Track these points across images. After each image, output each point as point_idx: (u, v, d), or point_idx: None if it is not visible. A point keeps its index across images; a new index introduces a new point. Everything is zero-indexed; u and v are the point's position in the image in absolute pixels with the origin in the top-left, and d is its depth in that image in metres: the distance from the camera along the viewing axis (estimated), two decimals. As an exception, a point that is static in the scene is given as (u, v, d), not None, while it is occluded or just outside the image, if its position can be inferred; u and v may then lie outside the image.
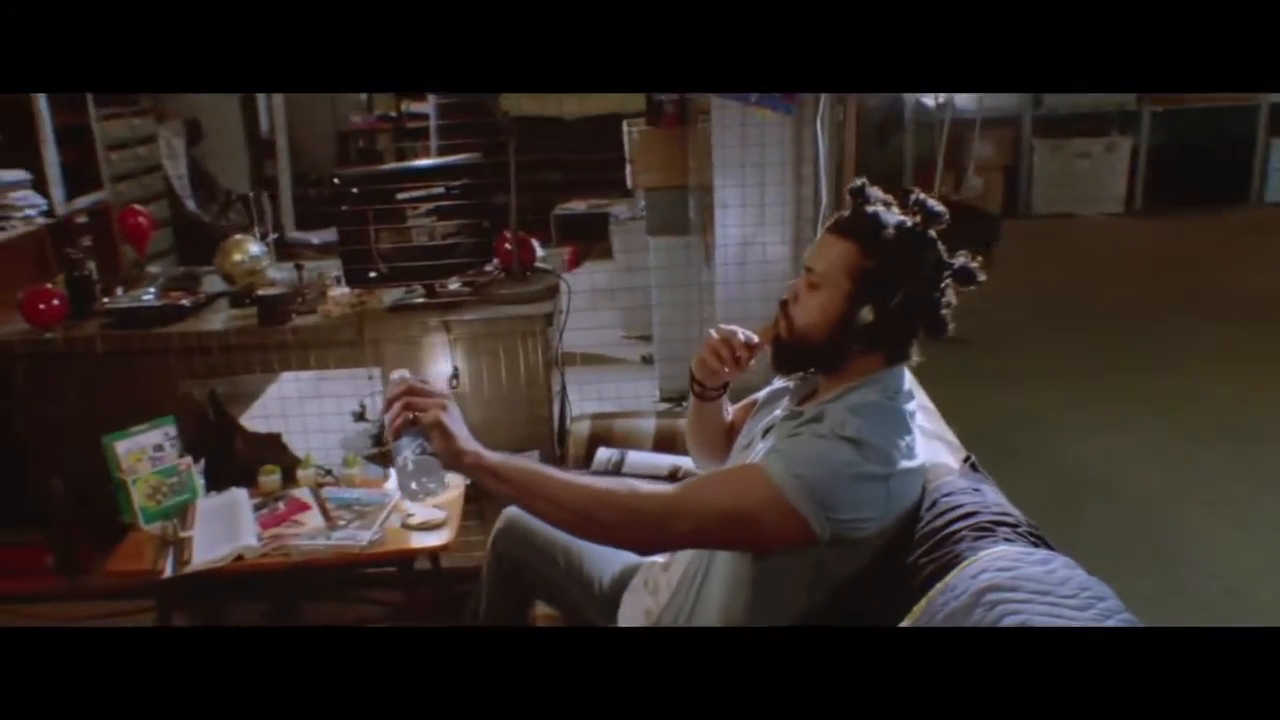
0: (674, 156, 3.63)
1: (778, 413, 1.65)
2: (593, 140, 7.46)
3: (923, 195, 1.51)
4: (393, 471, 1.53)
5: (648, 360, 4.41)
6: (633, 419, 2.62)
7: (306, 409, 3.52)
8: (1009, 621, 1.06)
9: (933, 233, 1.51)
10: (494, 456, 1.43)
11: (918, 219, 1.50)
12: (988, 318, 4.94)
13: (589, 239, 6.26)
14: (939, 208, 1.51)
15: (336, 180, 2.68)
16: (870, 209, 1.51)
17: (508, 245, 2.89)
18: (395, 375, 1.52)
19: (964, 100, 6.94)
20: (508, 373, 2.73)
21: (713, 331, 1.71)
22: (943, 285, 1.51)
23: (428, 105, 6.39)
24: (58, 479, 2.79)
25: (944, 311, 1.52)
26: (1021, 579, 1.13)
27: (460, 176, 2.78)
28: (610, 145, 7.18)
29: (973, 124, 6.44)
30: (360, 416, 4.01)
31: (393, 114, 7.14)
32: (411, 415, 1.41)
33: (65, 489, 2.81)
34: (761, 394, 1.84)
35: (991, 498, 1.43)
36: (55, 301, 2.68)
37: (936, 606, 1.21)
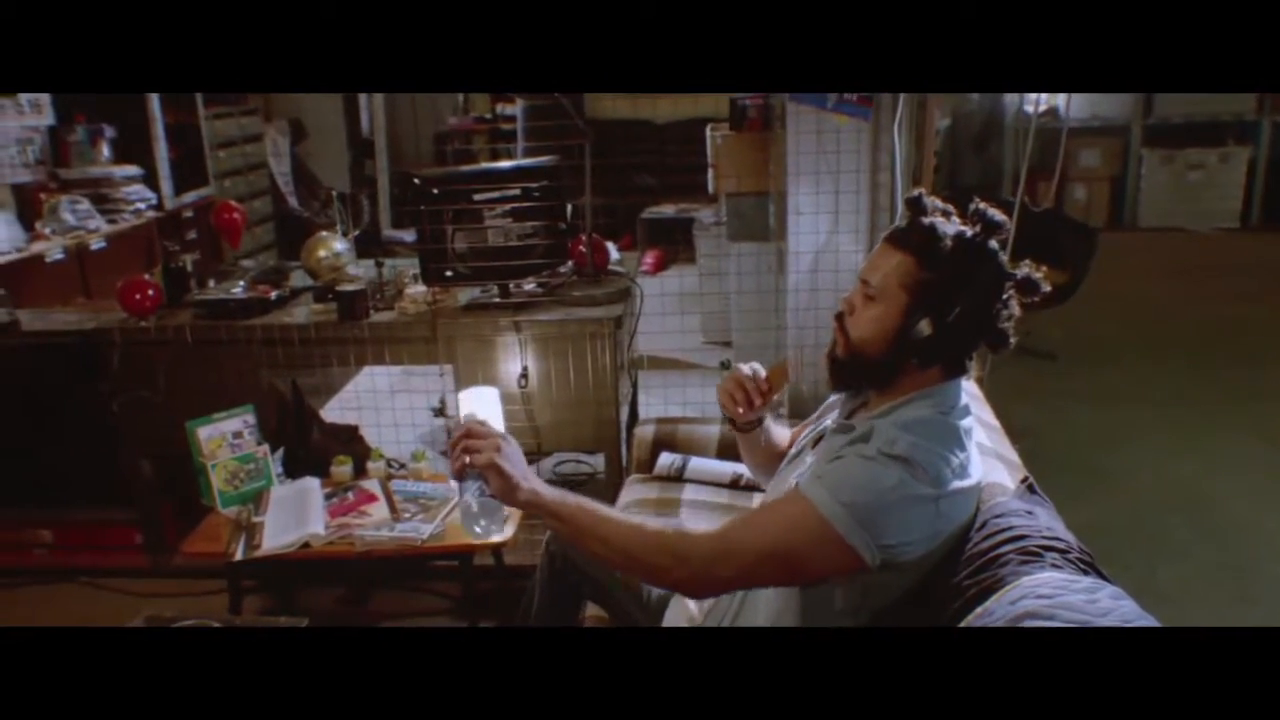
0: (755, 162, 3.59)
1: (828, 423, 1.62)
2: (682, 144, 7.48)
3: (982, 205, 1.46)
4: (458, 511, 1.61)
5: (725, 365, 4.39)
6: (697, 425, 2.61)
7: (387, 403, 3.62)
8: (1043, 651, 1.01)
9: (994, 243, 1.46)
10: (550, 494, 1.45)
11: (977, 229, 1.45)
12: (1077, 333, 4.77)
13: (675, 243, 6.27)
14: (999, 217, 1.45)
15: (417, 180, 2.73)
16: (926, 220, 1.46)
17: (583, 248, 2.92)
18: (462, 416, 1.58)
19: (1072, 107, 6.71)
20: (576, 374, 2.75)
21: (742, 367, 1.69)
22: (1004, 297, 1.46)
23: (515, 107, 6.49)
24: (146, 460, 2.93)
25: (1005, 324, 1.47)
26: (1060, 606, 1.08)
27: (537, 178, 2.81)
28: (699, 149, 7.22)
29: (1081, 133, 6.20)
30: (440, 412, 4.09)
31: (487, 116, 7.28)
32: (468, 458, 1.43)
33: (153, 470, 2.94)
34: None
35: (1044, 521, 1.37)
36: (150, 292, 2.80)
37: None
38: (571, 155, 2.96)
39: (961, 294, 1.42)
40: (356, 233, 3.09)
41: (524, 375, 2.74)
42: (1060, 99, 6.82)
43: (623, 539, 1.41)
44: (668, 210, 6.42)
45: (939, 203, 1.50)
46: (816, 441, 1.61)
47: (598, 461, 3.51)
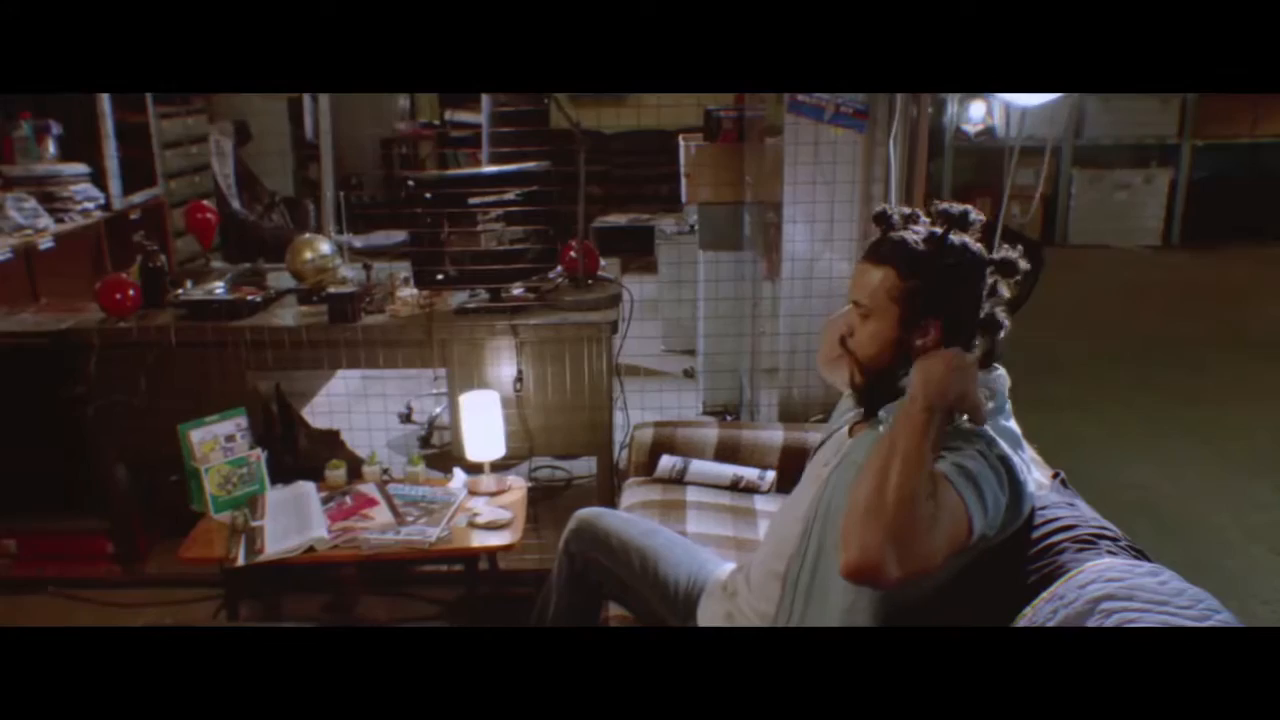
0: (729, 173, 3.66)
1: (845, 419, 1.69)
2: (634, 155, 7.55)
3: (943, 203, 1.55)
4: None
5: (689, 374, 4.44)
6: (695, 428, 2.65)
7: (359, 407, 3.57)
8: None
9: (963, 236, 1.53)
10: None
11: (944, 226, 1.53)
12: (1020, 343, 4.95)
13: (629, 252, 6.31)
14: (957, 209, 1.53)
15: (411, 183, 2.72)
16: (896, 234, 1.53)
17: (572, 253, 2.93)
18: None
19: (1003, 128, 6.98)
20: (571, 378, 2.76)
21: None
22: (990, 282, 1.55)
23: (473, 114, 6.45)
24: (121, 466, 2.84)
25: (996, 309, 1.55)
26: (1135, 589, 1.15)
27: (530, 184, 2.82)
28: (654, 160, 7.30)
29: (1018, 151, 6.44)
30: (407, 418, 4.06)
31: (435, 122, 7.22)
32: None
33: (129, 477, 2.85)
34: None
35: (1088, 512, 1.45)
36: (130, 291, 2.72)
37: (1043, 614, 1.23)
38: (554, 161, 2.98)
39: (947, 290, 1.50)
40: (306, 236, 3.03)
41: (519, 379, 2.74)
42: (997, 119, 7.10)
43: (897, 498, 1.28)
44: (619, 220, 6.46)
45: (904, 209, 1.58)
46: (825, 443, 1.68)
47: (575, 467, 3.52)
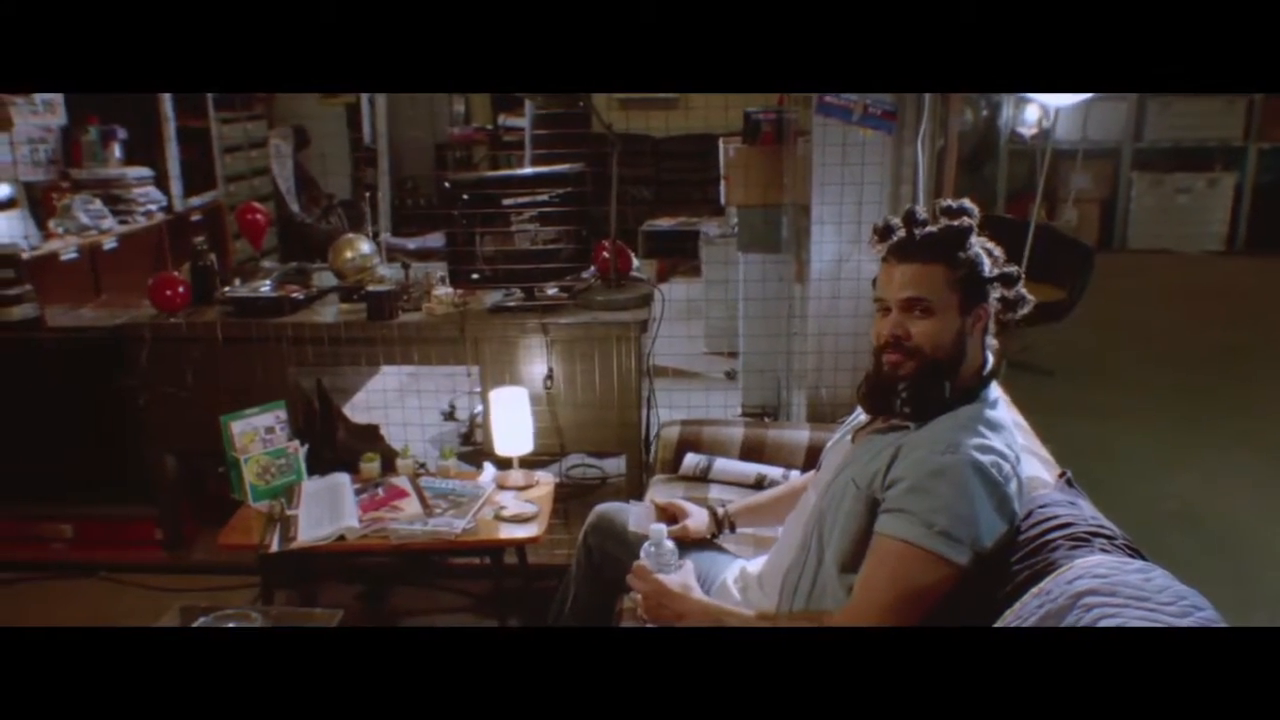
0: (769, 175, 3.67)
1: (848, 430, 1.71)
2: (682, 158, 7.58)
3: (951, 201, 1.60)
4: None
5: (730, 376, 4.46)
6: (721, 426, 2.67)
7: (404, 403, 3.66)
8: (1105, 624, 1.08)
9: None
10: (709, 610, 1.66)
11: (961, 219, 1.56)
12: (1072, 349, 4.88)
13: (676, 255, 6.35)
14: (956, 203, 1.59)
15: (447, 184, 2.79)
16: (934, 228, 1.56)
17: (605, 253, 2.98)
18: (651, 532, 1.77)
19: (1064, 131, 6.86)
20: (601, 377, 2.80)
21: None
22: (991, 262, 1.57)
23: (524, 119, 6.55)
24: (170, 456, 2.95)
25: (1017, 289, 1.57)
26: (1118, 585, 1.15)
27: (564, 185, 2.88)
28: (699, 164, 7.33)
29: (1073, 155, 6.35)
30: (450, 415, 4.14)
31: (488, 126, 7.34)
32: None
33: (177, 466, 2.97)
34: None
35: (1088, 511, 1.45)
36: (180, 289, 2.84)
37: (1030, 610, 1.23)
38: (589, 164, 3.03)
39: (979, 275, 1.55)
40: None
41: (550, 377, 2.79)
42: (1054, 122, 6.98)
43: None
44: (666, 223, 6.50)
45: (921, 210, 1.60)
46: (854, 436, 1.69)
47: (608, 465, 3.57)
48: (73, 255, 4.12)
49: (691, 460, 2.56)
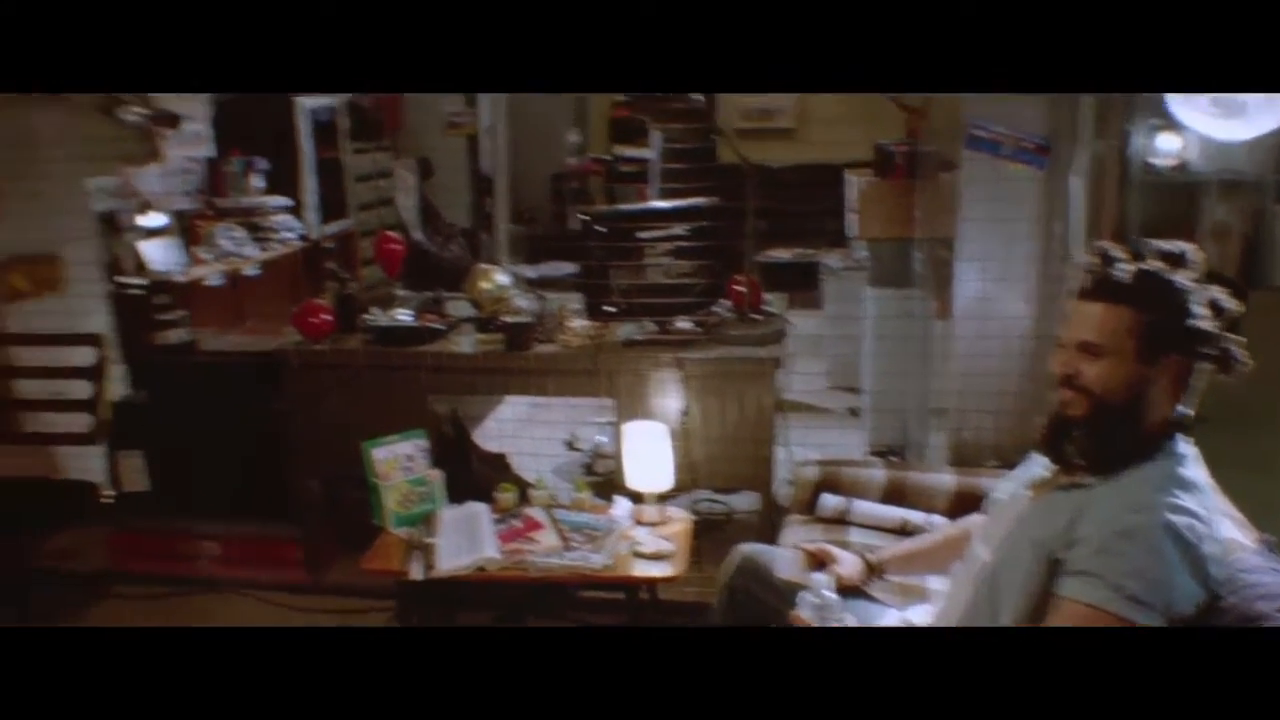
0: (901, 208, 3.60)
1: (1028, 478, 1.62)
2: (799, 189, 7.52)
3: (1156, 241, 1.48)
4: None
5: (855, 413, 4.37)
6: (860, 468, 2.60)
7: (525, 432, 3.70)
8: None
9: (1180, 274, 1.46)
10: None
11: (1163, 263, 1.46)
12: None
13: (793, 287, 6.28)
14: (1175, 247, 1.47)
15: (585, 217, 2.81)
16: (1126, 268, 1.47)
17: (738, 287, 2.95)
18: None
19: (1202, 161, 6.54)
20: (735, 412, 2.77)
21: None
22: (1209, 315, 1.46)
23: (643, 150, 6.60)
24: (313, 479, 3.04)
25: (1225, 343, 1.46)
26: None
27: (698, 219, 2.87)
28: (819, 194, 7.25)
29: (1210, 186, 6.04)
30: (572, 445, 4.16)
31: (606, 157, 7.41)
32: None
33: (320, 490, 3.05)
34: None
35: (1297, 580, 1.34)
36: (325, 316, 2.93)
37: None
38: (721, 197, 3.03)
39: (1181, 325, 1.43)
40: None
41: (685, 411, 2.77)
42: (1192, 152, 6.67)
43: None
44: (784, 254, 6.44)
45: (1117, 249, 1.51)
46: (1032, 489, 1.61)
47: (735, 501, 3.52)
48: (218, 281, 4.30)
49: (830, 502, 2.50)
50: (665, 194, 4.22)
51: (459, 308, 3.23)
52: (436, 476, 2.64)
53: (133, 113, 4.18)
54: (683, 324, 2.91)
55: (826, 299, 4.81)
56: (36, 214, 3.44)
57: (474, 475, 2.96)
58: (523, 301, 3.04)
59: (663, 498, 2.83)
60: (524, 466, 3.40)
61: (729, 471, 2.87)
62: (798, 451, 3.03)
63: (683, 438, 2.81)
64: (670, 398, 2.79)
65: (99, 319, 3.55)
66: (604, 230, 2.80)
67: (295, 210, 5.06)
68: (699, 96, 3.04)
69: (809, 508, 2.55)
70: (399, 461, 2.63)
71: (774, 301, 3.17)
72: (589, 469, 3.93)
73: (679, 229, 2.85)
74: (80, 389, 3.06)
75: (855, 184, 3.90)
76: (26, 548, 2.97)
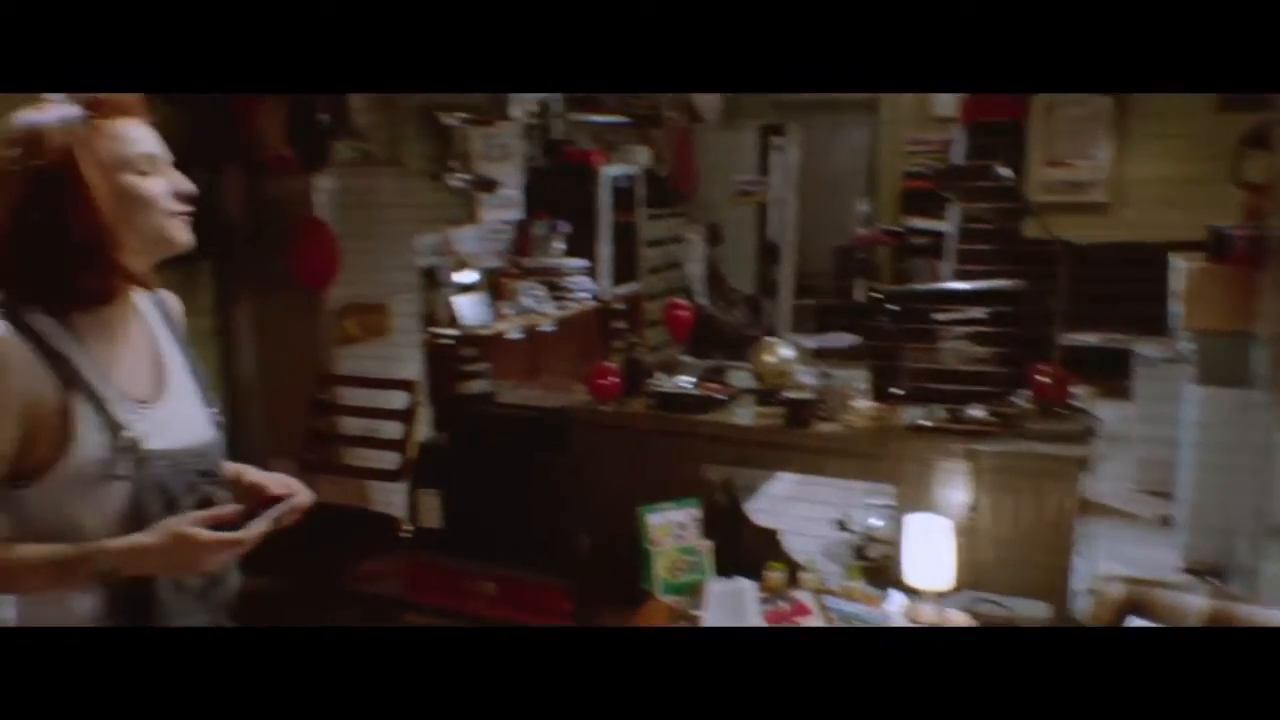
0: (1239, 298, 3.21)
1: None
2: (1109, 268, 6.94)
3: None
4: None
5: (1166, 521, 3.90)
6: (1177, 592, 2.29)
7: (796, 510, 3.62)
8: None
9: None
10: None
11: None
12: None
13: (1100, 375, 5.77)
14: None
15: (877, 295, 2.73)
16: None
17: (1041, 377, 2.73)
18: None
19: None
20: (1029, 513, 2.55)
21: None
22: None
23: (937, 222, 6.39)
24: (587, 535, 3.12)
25: None
26: None
27: (999, 302, 2.70)
28: (1133, 275, 6.65)
29: None
30: (843, 526, 4.02)
31: (897, 228, 7.25)
32: None
33: (592, 545, 3.13)
34: None
35: None
36: (613, 379, 3.02)
37: None
38: (1027, 278, 2.83)
39: None
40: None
41: (972, 507, 2.59)
42: None
43: None
44: (1090, 338, 5.94)
45: None
46: None
47: (1019, 606, 3.22)
48: (517, 335, 4.60)
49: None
50: (961, 273, 4.02)
51: (740, 378, 3.23)
52: (706, 547, 2.63)
53: (458, 178, 4.61)
54: (976, 413, 2.72)
55: (1139, 392, 4.37)
56: (370, 268, 3.84)
57: (744, 549, 2.92)
58: (806, 377, 2.98)
59: (940, 596, 2.64)
60: (795, 545, 3.32)
61: (1018, 576, 2.63)
62: (1099, 562, 2.73)
63: (968, 534, 2.61)
64: (957, 491, 2.61)
65: (414, 366, 3.90)
66: (896, 309, 2.70)
67: (591, 271, 5.35)
68: (1008, 172, 2.87)
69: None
70: (671, 528, 2.64)
71: (1082, 395, 2.90)
72: (860, 552, 3.77)
73: (978, 312, 2.70)
74: (392, 429, 3.35)
75: (1183, 269, 3.53)
76: (340, 568, 3.27)
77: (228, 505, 1.31)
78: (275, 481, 1.44)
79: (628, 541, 2.74)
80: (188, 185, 1.35)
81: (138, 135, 1.31)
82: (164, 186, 1.32)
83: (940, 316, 2.70)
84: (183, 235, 1.35)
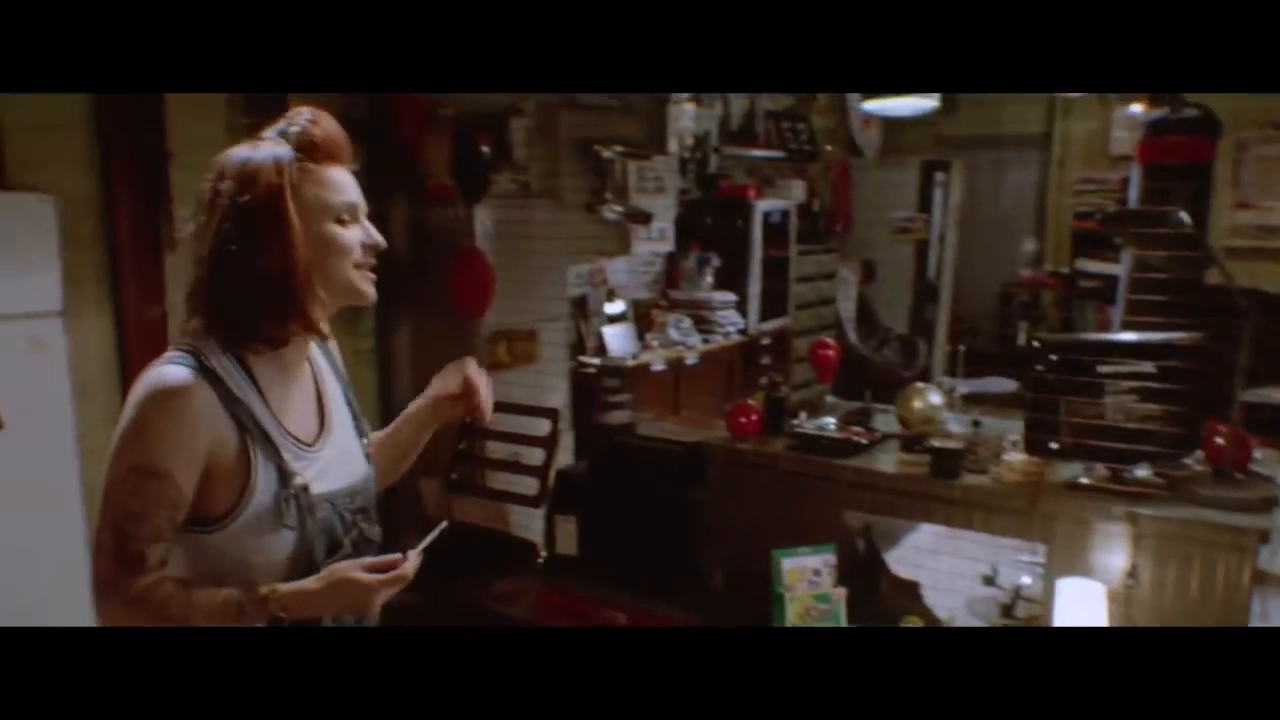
0: None
1: None
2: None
3: None
4: None
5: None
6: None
7: (936, 562, 3.47)
8: None
9: None
10: None
11: None
12: None
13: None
14: None
15: (1037, 344, 2.60)
16: None
17: (1218, 439, 2.53)
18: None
19: None
20: (1197, 585, 2.35)
21: None
22: None
23: (1107, 265, 6.04)
24: (720, 572, 3.08)
25: None
26: None
27: (1174, 357, 2.52)
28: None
29: None
30: (989, 581, 3.82)
31: (1064, 270, 6.90)
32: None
33: (724, 583, 3.09)
34: None
35: None
36: (754, 417, 2.99)
37: None
38: (1211, 332, 2.63)
39: None
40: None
41: (1132, 575, 2.41)
42: None
43: None
44: (1277, 395, 5.47)
45: None
46: None
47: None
48: (660, 367, 4.62)
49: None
50: (1132, 324, 3.77)
51: (885, 422, 3.13)
52: (840, 595, 2.55)
53: (612, 210, 4.70)
54: (1141, 473, 2.55)
55: (1334, 459, 3.98)
56: (522, 296, 3.95)
57: (881, 599, 2.82)
58: (955, 426, 2.86)
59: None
60: (935, 599, 3.18)
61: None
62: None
63: (1125, 603, 2.44)
64: (1115, 555, 2.45)
65: (559, 394, 3.97)
66: (1057, 359, 2.55)
67: (739, 305, 5.32)
68: (1186, 218, 2.69)
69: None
70: (805, 574, 2.58)
71: (1264, 459, 2.67)
72: (1007, 610, 3.58)
73: (1148, 366, 2.52)
74: (534, 455, 3.42)
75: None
76: (478, 588, 3.35)
77: (388, 556, 1.31)
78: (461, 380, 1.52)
79: (761, 583, 2.70)
80: (379, 239, 1.35)
81: (343, 182, 1.31)
82: (359, 236, 1.32)
83: (1106, 369, 2.53)
84: (369, 289, 1.35)
